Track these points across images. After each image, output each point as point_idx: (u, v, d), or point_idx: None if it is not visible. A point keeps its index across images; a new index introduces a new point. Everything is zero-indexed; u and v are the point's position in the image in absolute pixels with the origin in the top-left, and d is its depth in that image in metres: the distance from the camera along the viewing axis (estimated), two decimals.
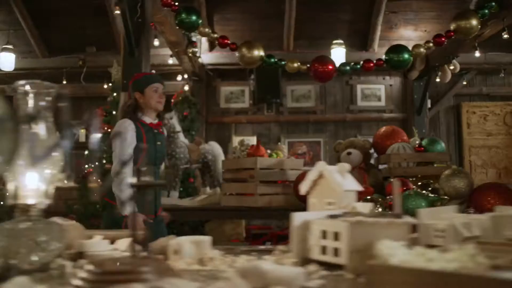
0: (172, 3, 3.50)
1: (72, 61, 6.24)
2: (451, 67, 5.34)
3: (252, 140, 6.38)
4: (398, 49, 3.28)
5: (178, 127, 4.06)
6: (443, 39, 3.30)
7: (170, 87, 6.22)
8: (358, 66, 3.31)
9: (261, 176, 3.72)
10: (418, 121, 6.24)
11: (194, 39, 5.96)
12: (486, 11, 3.33)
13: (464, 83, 6.38)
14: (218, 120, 6.46)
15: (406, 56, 3.25)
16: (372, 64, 3.30)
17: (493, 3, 3.34)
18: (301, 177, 3.97)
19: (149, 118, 2.59)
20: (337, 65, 3.33)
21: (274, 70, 5.47)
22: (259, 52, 3.36)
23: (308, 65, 3.33)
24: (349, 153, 3.83)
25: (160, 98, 2.59)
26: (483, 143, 6.32)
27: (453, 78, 6.30)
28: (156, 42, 4.35)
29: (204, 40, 6.27)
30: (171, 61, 5.03)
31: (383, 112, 6.44)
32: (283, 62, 3.38)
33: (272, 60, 3.36)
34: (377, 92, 6.48)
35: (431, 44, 3.32)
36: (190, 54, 5.16)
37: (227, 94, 6.51)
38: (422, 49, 3.31)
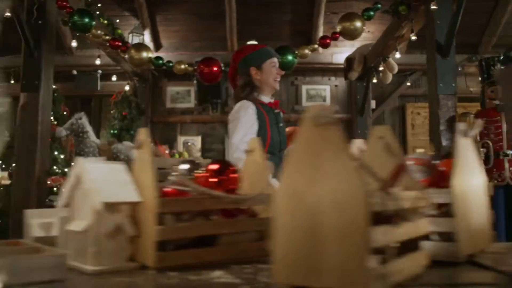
0: (67, 5, 3.55)
1: (19, 61, 6.31)
2: (380, 68, 5.34)
3: (197, 140, 6.45)
4: (282, 50, 3.30)
5: (87, 127, 4.12)
6: (328, 40, 3.33)
7: (108, 87, 6.33)
8: None
9: (159, 176, 3.77)
10: (361, 122, 6.24)
11: (137, 40, 6.05)
12: (372, 13, 3.35)
13: (408, 84, 6.38)
14: (164, 120, 6.52)
15: (290, 57, 3.28)
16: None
17: (379, 5, 3.36)
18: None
19: (267, 97, 2.26)
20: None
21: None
22: (147, 54, 3.40)
23: (195, 67, 3.37)
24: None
25: (279, 75, 2.28)
26: (427, 144, 6.30)
27: (398, 79, 6.32)
28: (74, 43, 4.41)
29: (148, 40, 6.35)
30: (98, 61, 5.09)
31: None
32: (171, 64, 3.43)
33: (160, 62, 3.42)
34: (322, 92, 6.49)
35: (316, 46, 3.34)
36: (122, 55, 5.22)
37: (173, 94, 6.57)
38: (307, 51, 3.34)
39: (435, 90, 3.59)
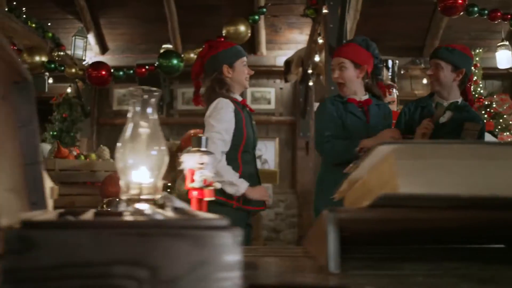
0: None
1: None
2: (310, 71, 5.36)
3: None
4: (167, 55, 3.35)
5: None
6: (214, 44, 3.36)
7: (57, 89, 6.42)
8: (131, 71, 3.40)
9: (62, 178, 3.86)
10: (303, 124, 6.28)
11: (80, 43, 6.13)
12: (256, 17, 3.38)
13: None
14: (110, 122, 6.60)
15: (175, 61, 3.33)
16: (144, 70, 3.38)
17: (264, 9, 3.39)
18: (109, 178, 4.09)
19: (237, 96, 2.25)
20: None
21: (156, 73, 5.60)
22: (40, 58, 3.47)
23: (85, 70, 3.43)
24: None
25: (249, 74, 2.26)
26: None
27: None
28: None
29: (94, 43, 6.43)
30: (26, 64, 5.17)
31: (272, 115, 6.48)
32: (62, 68, 3.49)
33: (53, 65, 3.48)
34: (267, 95, 6.52)
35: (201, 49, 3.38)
36: (56, 58, 5.30)
37: (120, 97, 6.64)
38: (192, 54, 3.38)
39: (327, 93, 3.61)
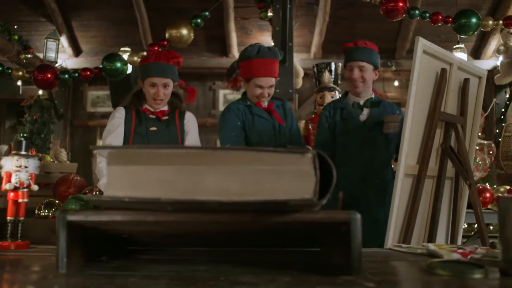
0: None
1: None
2: None
3: None
4: (111, 58, 3.39)
5: None
6: (156, 47, 3.40)
7: (31, 91, 6.47)
8: (77, 74, 3.43)
9: None
10: None
11: (53, 45, 6.18)
12: (199, 20, 3.41)
13: None
14: (84, 123, 6.64)
15: (118, 65, 3.36)
16: (88, 73, 3.41)
17: (206, 12, 3.42)
18: (61, 179, 4.13)
19: (150, 106, 2.29)
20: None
21: (127, 75, 5.63)
22: None
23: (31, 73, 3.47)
24: None
25: (156, 96, 2.21)
26: None
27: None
28: None
29: (67, 45, 6.49)
30: None
31: None
32: (10, 70, 3.53)
33: (0, 69, 3.52)
34: (239, 97, 6.54)
35: (145, 53, 3.42)
36: (24, 61, 5.35)
37: (94, 98, 6.69)
38: (136, 58, 3.41)
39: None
